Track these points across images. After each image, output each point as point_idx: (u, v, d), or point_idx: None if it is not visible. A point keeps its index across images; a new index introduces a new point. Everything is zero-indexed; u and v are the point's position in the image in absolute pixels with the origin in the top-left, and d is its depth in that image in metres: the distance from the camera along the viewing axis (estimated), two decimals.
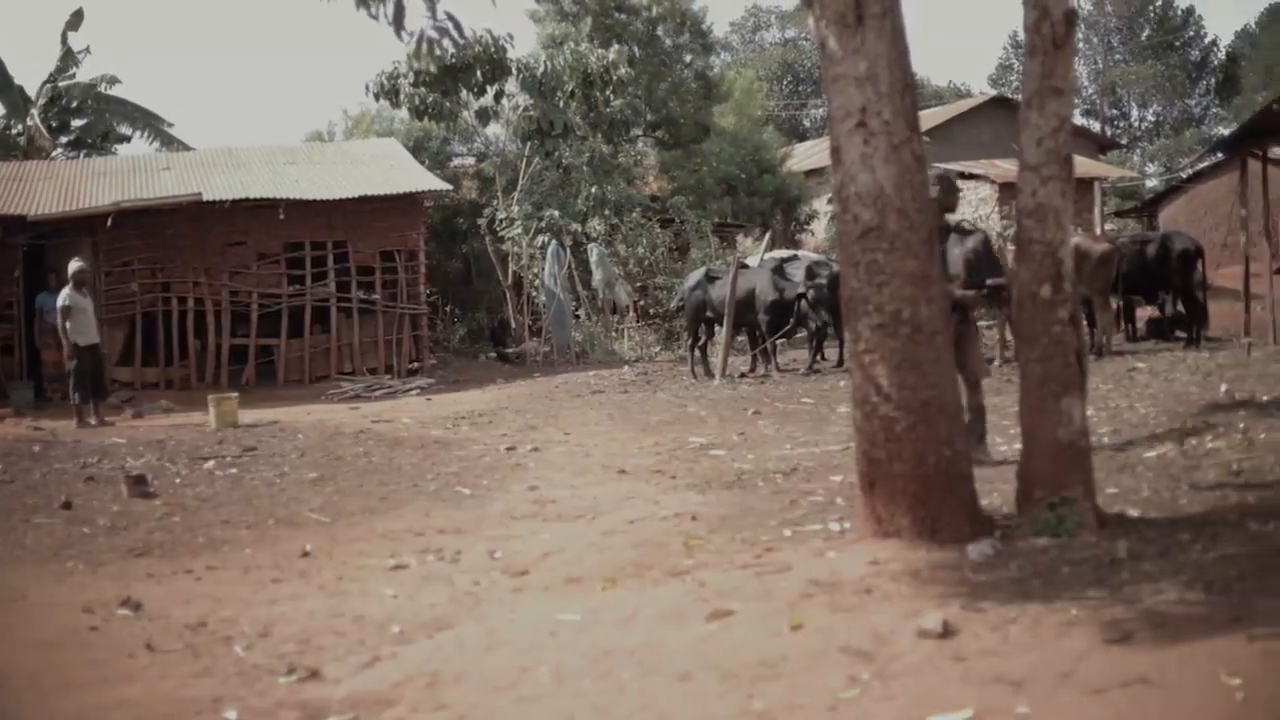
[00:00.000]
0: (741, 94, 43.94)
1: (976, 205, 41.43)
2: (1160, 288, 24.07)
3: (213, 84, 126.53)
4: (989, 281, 11.05)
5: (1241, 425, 11.45)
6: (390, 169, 28.93)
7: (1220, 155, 32.24)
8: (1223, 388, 14.34)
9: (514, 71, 31.80)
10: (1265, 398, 13.27)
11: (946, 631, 5.60)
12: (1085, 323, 19.50)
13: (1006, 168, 37.10)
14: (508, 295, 30.06)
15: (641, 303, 30.59)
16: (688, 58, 39.31)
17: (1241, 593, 6.00)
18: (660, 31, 38.27)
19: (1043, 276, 7.61)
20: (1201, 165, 44.18)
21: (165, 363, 26.00)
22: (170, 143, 36.93)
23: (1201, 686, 4.79)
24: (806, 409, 16.35)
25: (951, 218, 11.46)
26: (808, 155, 47.49)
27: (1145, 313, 26.22)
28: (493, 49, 30.74)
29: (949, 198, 11.00)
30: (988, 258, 11.42)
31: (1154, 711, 4.64)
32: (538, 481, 11.95)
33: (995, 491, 8.70)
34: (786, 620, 6.04)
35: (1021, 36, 8.03)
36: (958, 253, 11.12)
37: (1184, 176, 47.97)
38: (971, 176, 42.56)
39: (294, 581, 8.28)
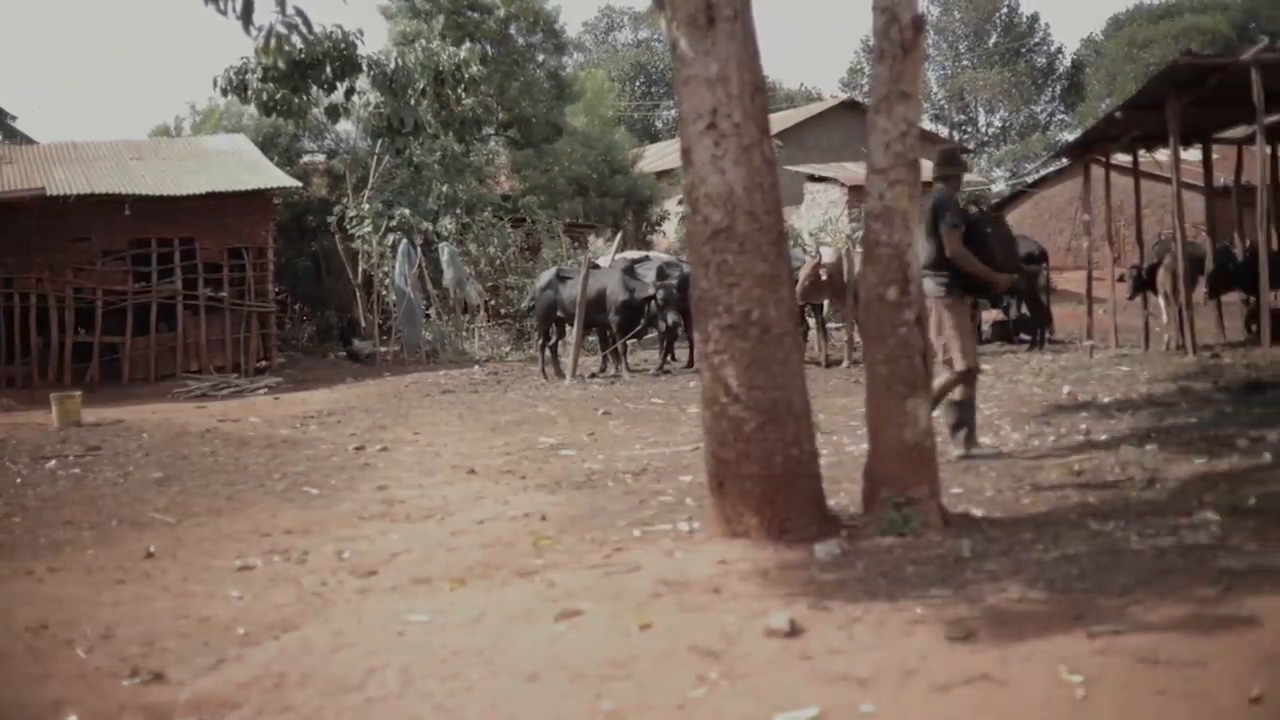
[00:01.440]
0: (593, 94, 44.02)
1: (826, 208, 41.80)
2: (1006, 290, 24.40)
3: (57, 77, 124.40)
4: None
5: (1083, 426, 11.67)
6: (239, 165, 28.55)
7: (1065, 161, 32.79)
8: (1065, 389, 14.59)
9: (365, 68, 31.53)
10: (1106, 399, 13.53)
11: (794, 630, 5.64)
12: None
13: (856, 171, 37.45)
14: (357, 294, 29.83)
15: (492, 302, 30.49)
16: (540, 57, 39.31)
17: (1082, 591, 6.11)
18: (513, 30, 38.22)
19: (889, 278, 7.68)
20: (1046, 170, 44.99)
21: (7, 360, 25.39)
22: (13, 136, 36.18)
23: (1042, 683, 4.86)
24: (657, 409, 16.40)
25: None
26: (659, 156, 47.69)
27: (990, 315, 26.58)
28: (343, 45, 30.46)
29: (961, 176, 10.97)
30: (1013, 242, 11.31)
31: (996, 708, 4.70)
32: (386, 481, 11.85)
33: (842, 491, 8.78)
34: (635, 620, 6.05)
35: (872, 41, 8.09)
36: (988, 234, 10.82)
37: (1029, 181, 48.82)
38: (821, 179, 42.96)
39: (138, 583, 8.14)
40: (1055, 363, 18.79)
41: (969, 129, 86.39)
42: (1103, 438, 11.07)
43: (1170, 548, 6.93)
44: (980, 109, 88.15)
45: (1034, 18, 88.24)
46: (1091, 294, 22.85)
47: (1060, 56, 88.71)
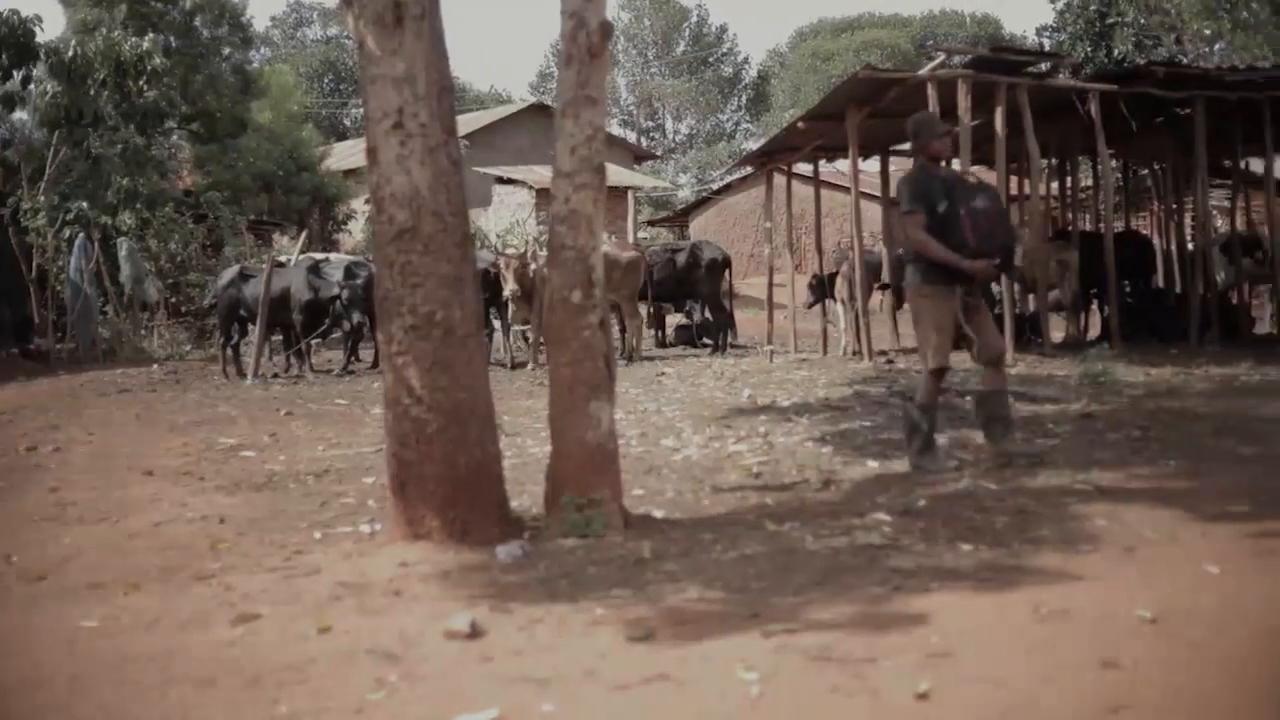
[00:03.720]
0: (280, 90, 43.43)
1: (514, 210, 41.93)
2: (689, 295, 24.81)
3: None
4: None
5: (762, 429, 11.90)
6: None
7: (749, 169, 33.44)
8: (746, 393, 14.85)
9: (42, 56, 30.52)
10: (785, 403, 13.82)
11: (474, 632, 5.63)
12: (616, 328, 20.00)
13: (544, 174, 37.62)
14: (31, 289, 28.87)
15: (173, 300, 29.84)
16: (226, 51, 38.63)
17: (759, 590, 6.23)
18: (198, 23, 37.50)
19: (573, 281, 7.72)
20: (731, 178, 45.84)
21: None
22: None
23: (719, 682, 4.94)
24: (340, 410, 16.21)
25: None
26: (347, 155, 47.26)
27: (675, 319, 26.95)
28: (19, 31, 29.43)
29: (935, 142, 9.73)
30: (1001, 218, 9.84)
31: (674, 707, 4.76)
32: (59, 483, 11.45)
33: (525, 493, 8.80)
34: (314, 623, 5.97)
35: (561, 45, 8.12)
36: (963, 213, 9.40)
37: (714, 188, 49.71)
38: (510, 181, 43.10)
39: None
40: (737, 367, 19.14)
41: (657, 135, 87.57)
42: (781, 440, 11.31)
43: (844, 548, 7.13)
44: (668, 116, 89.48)
45: (722, 28, 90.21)
46: (772, 299, 23.35)
47: (746, 67, 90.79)
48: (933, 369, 9.63)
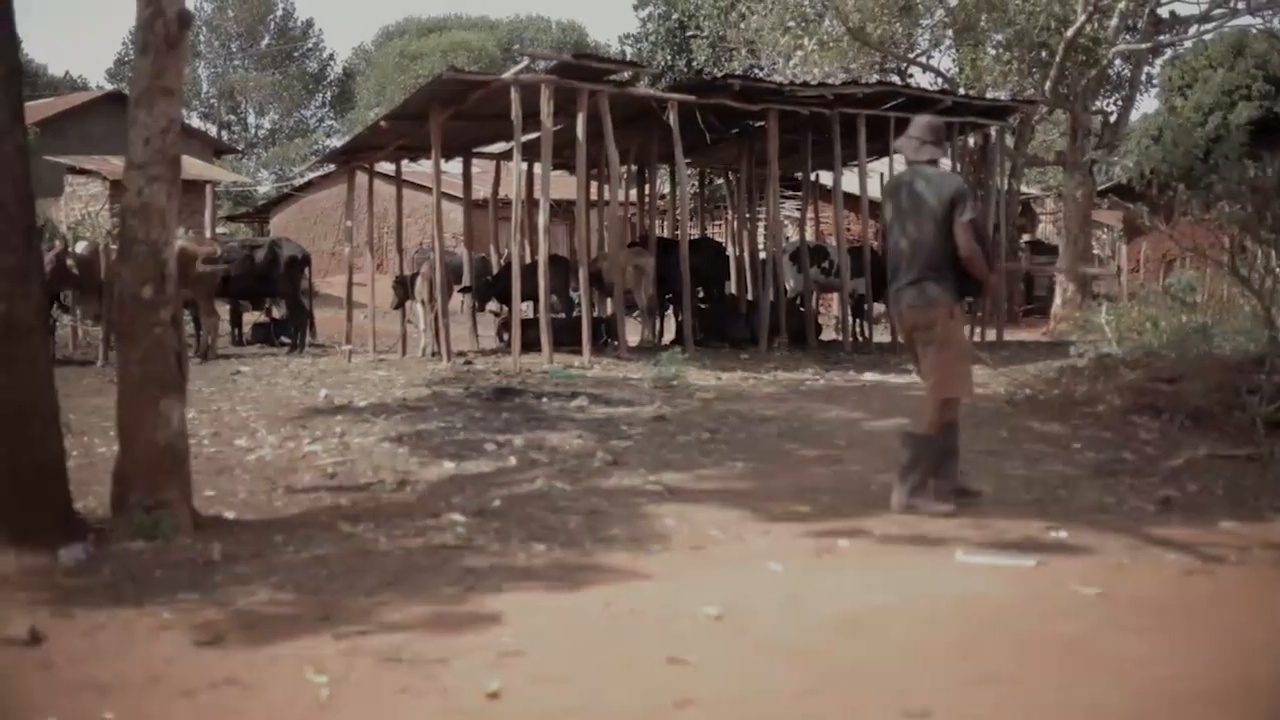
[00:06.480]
0: None
1: (88, 201, 40.63)
2: (267, 293, 24.42)
3: None
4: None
5: (338, 430, 11.81)
6: None
7: (331, 166, 33.18)
8: (323, 393, 14.71)
9: None
10: (363, 403, 13.73)
11: (34, 638, 5.44)
12: (190, 325, 19.59)
13: (119, 164, 36.48)
14: None
15: None
16: None
17: (331, 592, 6.22)
18: None
19: (145, 277, 7.52)
20: (313, 175, 45.39)
21: None
22: None
23: (288, 685, 4.91)
24: None
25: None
26: None
27: (253, 317, 26.53)
28: None
29: (941, 153, 8.80)
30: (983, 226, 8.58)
31: (241, 712, 4.71)
32: None
33: (92, 494, 8.53)
34: None
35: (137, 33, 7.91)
36: (967, 219, 8.21)
37: (296, 185, 49.14)
38: (83, 172, 41.70)
39: None
40: (315, 366, 18.95)
41: (238, 129, 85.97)
42: (357, 441, 11.24)
43: (418, 548, 7.17)
44: (251, 110, 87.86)
45: (308, 23, 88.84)
46: (351, 298, 23.20)
47: (332, 63, 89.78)
48: (962, 398, 8.64)
